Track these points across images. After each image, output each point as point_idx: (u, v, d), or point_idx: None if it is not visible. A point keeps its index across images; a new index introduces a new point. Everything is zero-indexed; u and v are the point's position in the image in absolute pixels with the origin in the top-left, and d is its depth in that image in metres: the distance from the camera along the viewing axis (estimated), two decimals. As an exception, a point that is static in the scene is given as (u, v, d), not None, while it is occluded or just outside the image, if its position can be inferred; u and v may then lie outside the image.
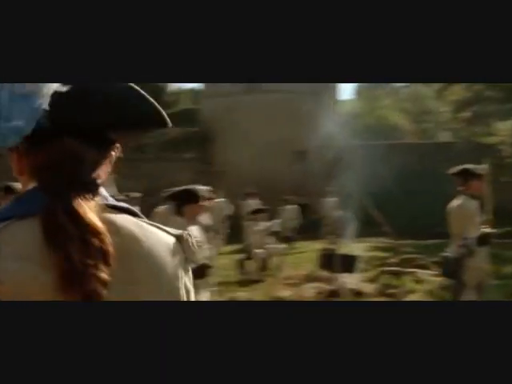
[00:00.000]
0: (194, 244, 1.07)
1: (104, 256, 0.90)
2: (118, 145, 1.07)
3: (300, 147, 17.13)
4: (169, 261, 1.02)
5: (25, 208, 0.94)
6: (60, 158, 0.96)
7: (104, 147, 1.03)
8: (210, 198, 5.32)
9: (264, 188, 15.07)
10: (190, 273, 1.09)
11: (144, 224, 1.03)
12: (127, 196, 10.54)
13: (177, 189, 4.69)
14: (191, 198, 4.44)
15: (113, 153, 1.07)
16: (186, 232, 1.07)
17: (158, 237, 1.03)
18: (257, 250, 9.96)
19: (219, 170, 17.22)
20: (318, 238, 11.66)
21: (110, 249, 0.92)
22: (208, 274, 4.20)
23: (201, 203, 4.47)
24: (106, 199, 1.01)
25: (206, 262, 4.25)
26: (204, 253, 4.39)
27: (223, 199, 13.43)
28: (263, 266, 10.00)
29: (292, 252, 12.03)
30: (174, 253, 1.03)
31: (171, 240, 1.05)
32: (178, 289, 1.03)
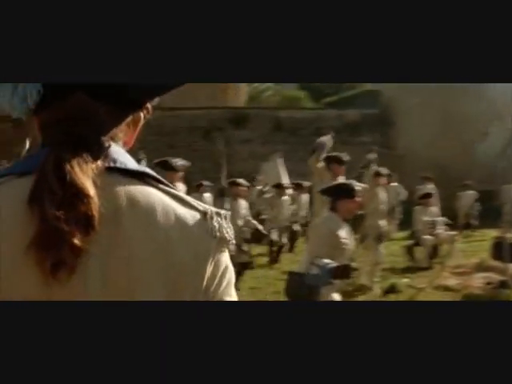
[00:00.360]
0: (223, 225, 0.94)
1: (88, 222, 0.82)
2: (148, 105, 1.00)
3: (483, 130, 16.27)
4: (179, 234, 0.89)
5: (25, 165, 0.89)
6: (64, 115, 0.90)
7: (123, 106, 0.95)
8: (363, 195, 5.17)
9: (443, 173, 14.67)
10: (226, 255, 0.95)
11: (154, 191, 0.91)
12: (297, 184, 10.92)
13: (332, 183, 4.86)
14: (346, 193, 4.34)
15: (141, 114, 0.99)
16: (213, 209, 0.94)
17: (168, 206, 0.90)
18: (425, 237, 9.87)
19: (397, 154, 16.98)
20: (498, 226, 11.14)
21: (96, 215, 0.82)
22: (350, 275, 4.08)
23: (356, 199, 4.36)
24: (114, 162, 0.89)
25: (350, 263, 4.17)
26: (349, 253, 4.36)
27: (397, 184, 13.35)
28: (432, 253, 9.84)
29: (468, 240, 11.65)
30: (189, 227, 0.91)
31: (191, 214, 0.92)
32: (195, 266, 0.90)
